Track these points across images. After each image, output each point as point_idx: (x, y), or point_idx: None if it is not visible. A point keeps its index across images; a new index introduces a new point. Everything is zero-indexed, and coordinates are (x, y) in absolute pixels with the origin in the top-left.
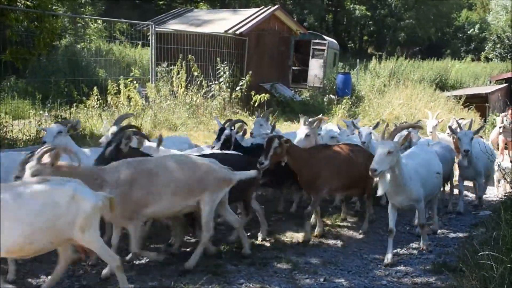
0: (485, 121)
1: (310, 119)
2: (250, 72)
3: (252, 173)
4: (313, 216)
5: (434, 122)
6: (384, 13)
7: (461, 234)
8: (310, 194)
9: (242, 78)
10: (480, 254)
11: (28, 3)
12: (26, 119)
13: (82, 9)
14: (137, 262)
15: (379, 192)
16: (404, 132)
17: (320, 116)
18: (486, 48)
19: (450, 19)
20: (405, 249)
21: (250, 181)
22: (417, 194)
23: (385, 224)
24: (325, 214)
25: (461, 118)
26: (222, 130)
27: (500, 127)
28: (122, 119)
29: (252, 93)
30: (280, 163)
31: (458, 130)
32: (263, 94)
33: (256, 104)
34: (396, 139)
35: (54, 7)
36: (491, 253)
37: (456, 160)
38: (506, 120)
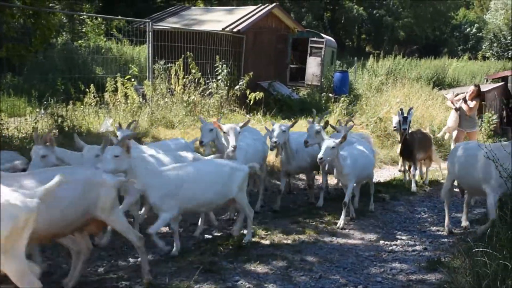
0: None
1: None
2: (251, 73)
3: None
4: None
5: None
6: (381, 12)
7: (455, 231)
8: None
9: (242, 77)
10: (474, 250)
11: None
12: (22, 116)
13: (79, 6)
14: (131, 260)
15: None
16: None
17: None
18: (483, 47)
19: (448, 18)
20: (400, 246)
21: None
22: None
23: (382, 222)
24: (321, 212)
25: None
26: None
27: (455, 108)
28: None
29: (248, 91)
30: None
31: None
32: (258, 92)
33: (252, 102)
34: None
35: (51, 4)
36: (485, 250)
37: None
38: (462, 102)
